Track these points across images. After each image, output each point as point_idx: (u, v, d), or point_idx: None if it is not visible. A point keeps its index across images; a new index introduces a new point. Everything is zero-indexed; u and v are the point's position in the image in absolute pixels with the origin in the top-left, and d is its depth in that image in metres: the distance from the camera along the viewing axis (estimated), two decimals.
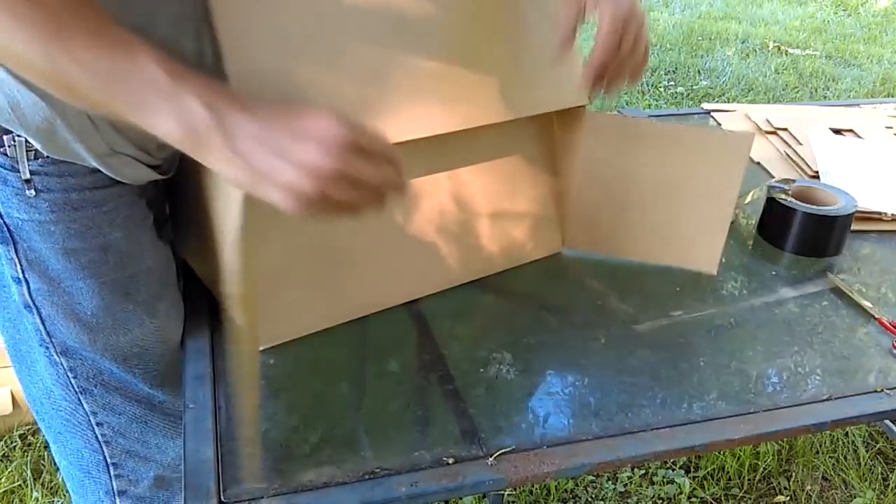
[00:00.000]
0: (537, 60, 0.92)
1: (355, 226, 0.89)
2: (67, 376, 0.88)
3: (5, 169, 0.77)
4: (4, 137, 0.75)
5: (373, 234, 0.92)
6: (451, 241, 0.98)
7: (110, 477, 0.96)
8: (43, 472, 1.70)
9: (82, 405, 0.90)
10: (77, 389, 0.89)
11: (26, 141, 0.76)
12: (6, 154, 0.76)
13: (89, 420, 0.91)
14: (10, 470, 1.70)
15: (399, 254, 0.94)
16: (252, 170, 0.63)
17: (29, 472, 1.69)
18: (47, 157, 0.77)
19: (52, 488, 1.67)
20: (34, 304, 0.84)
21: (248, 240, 0.74)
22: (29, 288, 0.83)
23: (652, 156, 1.00)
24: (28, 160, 0.77)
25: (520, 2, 0.89)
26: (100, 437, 0.93)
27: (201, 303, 0.95)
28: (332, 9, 0.79)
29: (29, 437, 1.78)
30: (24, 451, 1.74)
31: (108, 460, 0.95)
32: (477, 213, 0.99)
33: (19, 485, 1.67)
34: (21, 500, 1.65)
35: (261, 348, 0.88)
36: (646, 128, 1.00)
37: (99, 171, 0.79)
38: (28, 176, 0.77)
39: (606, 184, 1.03)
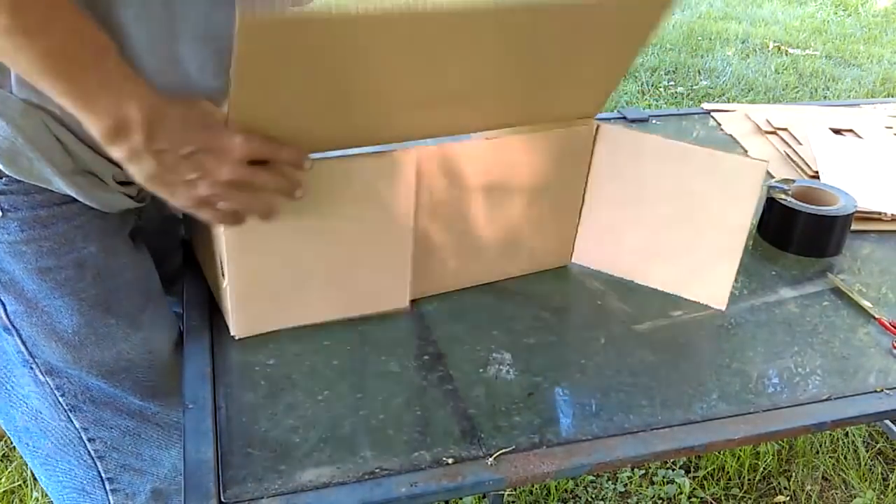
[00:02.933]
0: (550, 70, 0.90)
1: (362, 221, 0.89)
2: (55, 395, 0.86)
3: None
4: None
5: (378, 230, 0.91)
6: (455, 245, 0.98)
7: (106, 493, 0.94)
8: None
9: (72, 422, 0.89)
10: (66, 407, 0.88)
11: None
12: None
13: (80, 437, 0.90)
14: (10, 470, 1.70)
15: (402, 255, 0.94)
16: (160, 170, 0.70)
17: (29, 472, 1.69)
18: (11, 175, 0.75)
19: None
20: (13, 325, 0.82)
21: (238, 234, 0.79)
22: (6, 310, 0.81)
23: (662, 176, 0.97)
24: None
25: (537, 16, 0.86)
26: (93, 452, 0.91)
27: (201, 303, 0.95)
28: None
29: None
30: None
31: (103, 476, 0.93)
32: (484, 219, 0.98)
33: (19, 485, 1.67)
34: (21, 500, 1.65)
35: (243, 336, 0.89)
36: (658, 145, 0.97)
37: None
38: None
39: (614, 201, 1.01)
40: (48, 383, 0.86)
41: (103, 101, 0.66)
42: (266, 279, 0.86)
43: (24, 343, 0.83)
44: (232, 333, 0.89)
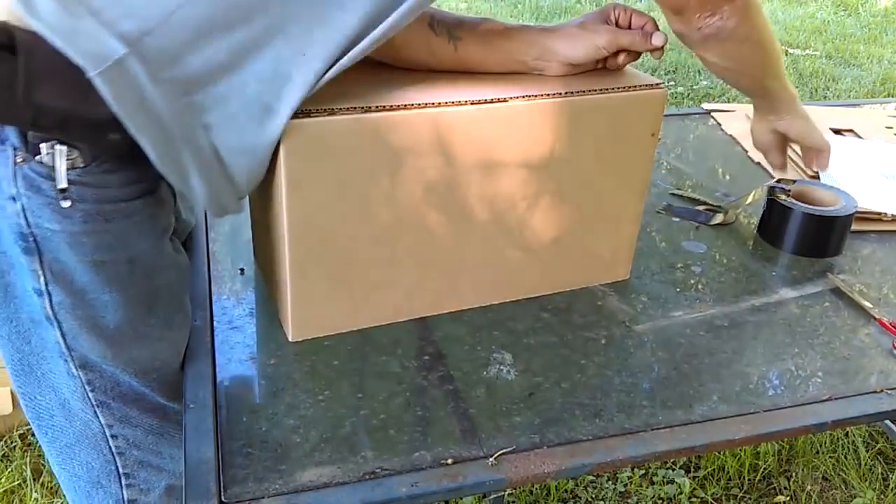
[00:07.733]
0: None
1: (420, 232, 0.87)
2: (85, 389, 0.87)
3: (41, 177, 0.75)
4: (42, 145, 0.73)
5: (440, 241, 0.90)
6: (514, 255, 0.96)
7: (121, 487, 0.95)
8: (43, 472, 1.70)
9: (98, 418, 0.89)
10: (94, 403, 0.88)
11: (67, 149, 0.74)
12: (42, 162, 0.74)
13: (104, 432, 0.90)
14: (10, 470, 1.70)
15: (461, 263, 0.92)
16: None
17: (29, 472, 1.69)
18: (85, 166, 0.75)
19: (51, 488, 1.67)
20: (55, 316, 0.82)
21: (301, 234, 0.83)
22: (51, 300, 0.81)
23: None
24: (66, 169, 0.75)
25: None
26: (114, 448, 0.92)
27: (202, 303, 0.95)
28: None
29: (29, 437, 1.78)
30: (24, 451, 1.75)
31: (121, 471, 0.94)
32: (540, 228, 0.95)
33: (19, 484, 1.67)
34: (21, 500, 1.65)
35: (297, 339, 0.89)
36: None
37: (135, 182, 0.78)
38: (65, 185, 0.75)
39: None
40: (80, 377, 0.86)
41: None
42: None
43: (63, 335, 0.83)
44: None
